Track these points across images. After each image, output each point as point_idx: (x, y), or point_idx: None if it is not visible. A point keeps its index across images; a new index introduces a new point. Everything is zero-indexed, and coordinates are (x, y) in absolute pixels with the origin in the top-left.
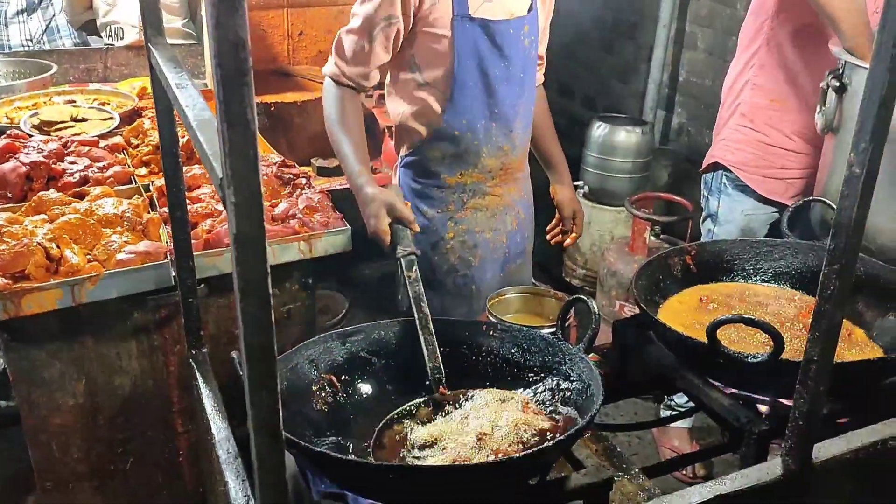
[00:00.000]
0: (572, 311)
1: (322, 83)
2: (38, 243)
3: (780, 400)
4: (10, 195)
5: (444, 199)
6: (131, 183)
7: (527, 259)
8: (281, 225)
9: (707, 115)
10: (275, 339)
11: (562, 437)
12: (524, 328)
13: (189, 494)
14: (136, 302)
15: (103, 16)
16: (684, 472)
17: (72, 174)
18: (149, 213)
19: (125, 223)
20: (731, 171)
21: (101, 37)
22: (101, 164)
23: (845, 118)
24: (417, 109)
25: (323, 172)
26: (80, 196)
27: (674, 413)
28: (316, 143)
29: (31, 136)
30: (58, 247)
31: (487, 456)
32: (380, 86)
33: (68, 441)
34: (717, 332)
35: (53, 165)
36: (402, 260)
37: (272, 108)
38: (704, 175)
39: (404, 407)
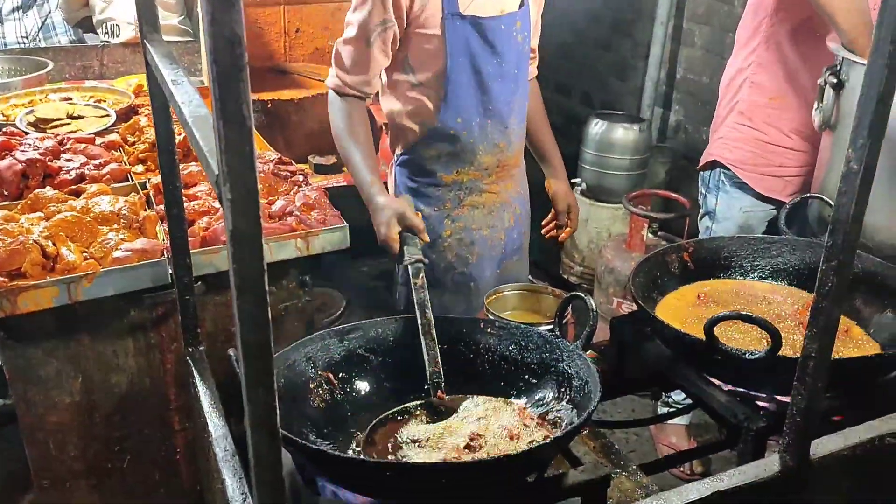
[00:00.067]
0: (570, 308)
1: (319, 80)
2: (34, 241)
3: (778, 397)
4: (5, 193)
5: (441, 198)
6: (128, 180)
7: (523, 255)
8: (278, 222)
9: (704, 112)
10: (272, 336)
11: (559, 435)
12: (522, 325)
13: (186, 492)
14: (133, 300)
15: (99, 13)
16: (682, 468)
17: (68, 172)
18: (145, 210)
19: (121, 221)
20: (729, 169)
21: (97, 34)
22: (97, 162)
23: (843, 115)
24: (412, 109)
25: (320, 170)
26: (77, 193)
27: (671, 410)
28: (313, 140)
29: (27, 133)
30: (54, 244)
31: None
32: None
33: (65, 439)
34: (715, 328)
35: (49, 163)
36: (409, 267)
37: (269, 106)
38: (702, 172)
39: (399, 407)
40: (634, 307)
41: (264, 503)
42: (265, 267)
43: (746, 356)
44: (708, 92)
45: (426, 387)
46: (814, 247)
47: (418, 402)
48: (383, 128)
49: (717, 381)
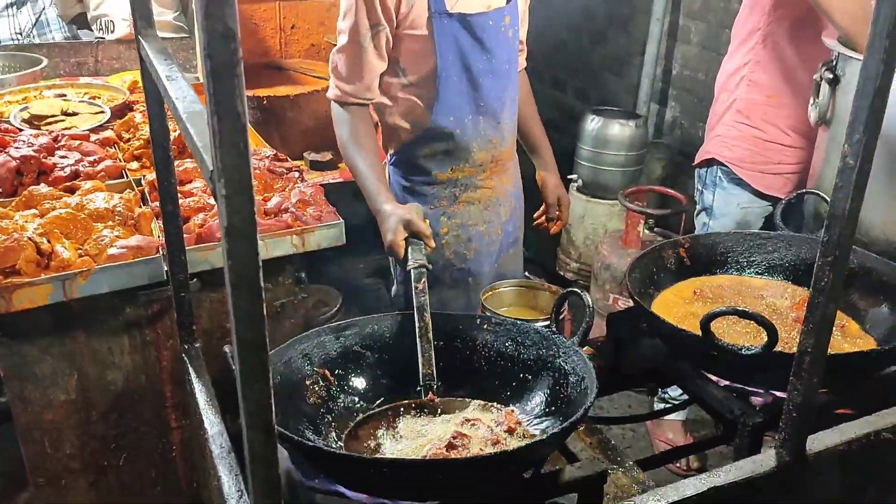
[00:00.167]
0: (566, 304)
1: (314, 76)
2: (29, 238)
3: (774, 392)
4: (0, 190)
5: (437, 196)
6: (122, 177)
7: (519, 247)
8: (273, 219)
9: (701, 108)
10: (267, 332)
11: (556, 431)
12: (518, 322)
13: (182, 490)
14: (128, 297)
15: (94, 9)
16: (678, 464)
17: (62, 168)
18: (140, 207)
19: (116, 218)
20: (727, 166)
21: (91, 30)
22: (91, 159)
23: (838, 110)
24: (404, 109)
25: (316, 166)
26: (71, 190)
27: (668, 406)
28: (308, 137)
29: (21, 130)
30: (48, 241)
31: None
32: None
33: (61, 437)
34: (711, 324)
35: (44, 160)
36: (412, 272)
37: (264, 102)
38: (698, 169)
39: (387, 406)
40: (631, 303)
41: (260, 500)
42: (260, 263)
43: (742, 352)
44: (704, 88)
45: (418, 388)
46: (810, 242)
47: (408, 402)
48: (380, 125)
49: (713, 377)
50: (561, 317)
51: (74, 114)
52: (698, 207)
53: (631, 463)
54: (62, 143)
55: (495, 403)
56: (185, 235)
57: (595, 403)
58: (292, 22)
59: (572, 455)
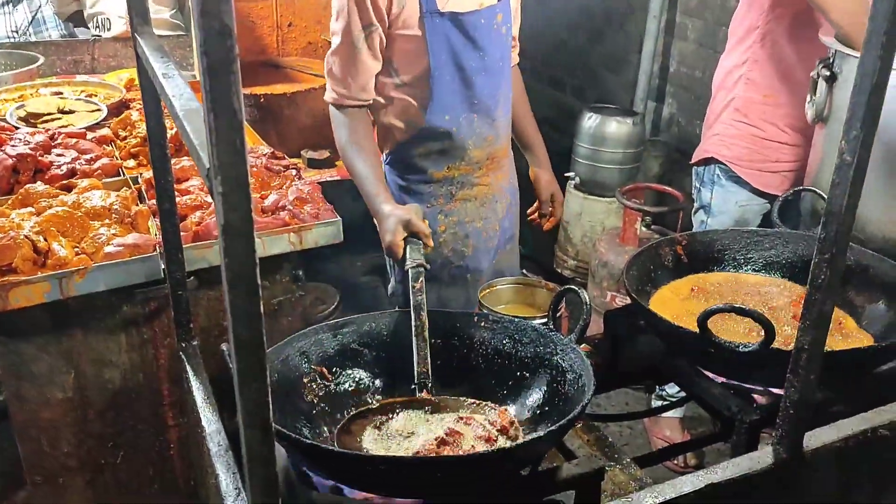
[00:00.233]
0: (564, 301)
1: (311, 74)
2: (25, 236)
3: (771, 389)
4: None
5: (433, 194)
6: (119, 175)
7: (516, 243)
8: (271, 217)
9: (698, 105)
10: (264, 330)
11: (553, 428)
12: (516, 319)
13: (180, 488)
14: (125, 295)
15: (90, 7)
16: (676, 461)
17: (59, 166)
18: (137, 205)
19: (113, 216)
20: (725, 164)
21: (87, 28)
22: (88, 157)
23: (835, 108)
24: (398, 109)
25: (313, 164)
26: (68, 188)
27: (665, 403)
28: (306, 134)
29: (17, 128)
30: (45, 240)
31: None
32: None
33: (58, 435)
34: (708, 321)
35: (40, 158)
36: (410, 271)
37: (261, 100)
38: (696, 167)
39: (381, 403)
40: (628, 300)
41: (258, 498)
42: (257, 260)
43: (740, 349)
44: (701, 85)
45: (413, 386)
46: (807, 240)
47: (402, 399)
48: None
49: (710, 374)
50: (558, 314)
51: (71, 112)
52: (696, 206)
53: (628, 460)
54: (59, 141)
55: (489, 402)
56: (182, 233)
57: (592, 401)
58: (289, 20)
59: (570, 452)
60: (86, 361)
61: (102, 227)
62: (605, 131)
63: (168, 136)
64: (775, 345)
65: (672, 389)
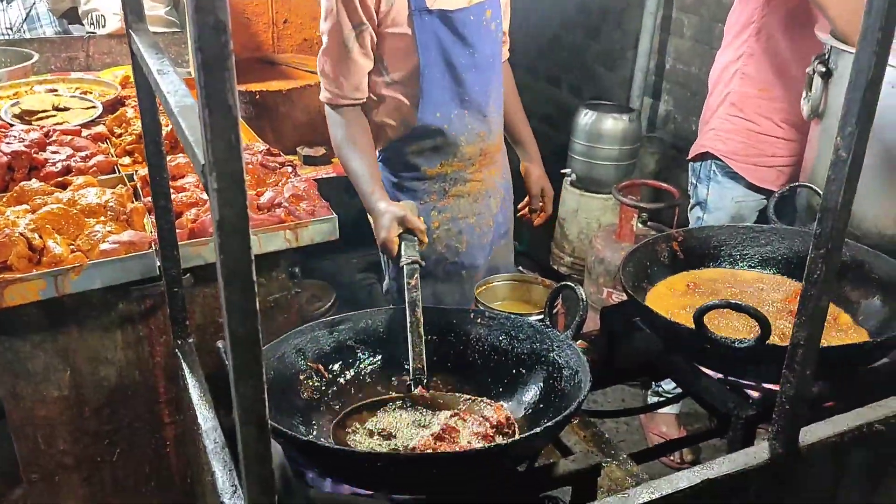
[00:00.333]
0: (560, 298)
1: (307, 71)
2: (20, 234)
3: (767, 385)
4: None
5: (426, 191)
6: (115, 172)
7: (510, 238)
8: (266, 214)
9: (694, 102)
10: (260, 327)
11: (550, 424)
12: (512, 316)
13: (176, 485)
14: (121, 292)
15: (84, 3)
16: (672, 457)
17: (54, 164)
18: (133, 202)
19: (109, 213)
20: (721, 160)
21: (82, 25)
22: (83, 154)
23: (831, 104)
24: (390, 107)
25: (309, 161)
26: (63, 186)
27: (661, 399)
28: (302, 131)
29: (12, 125)
30: (40, 237)
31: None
32: None
33: (54, 433)
34: (705, 317)
35: (35, 155)
36: (405, 267)
37: (257, 97)
38: (692, 163)
39: (379, 398)
40: (624, 297)
41: (254, 495)
42: (253, 257)
43: (736, 345)
44: (697, 82)
45: (408, 382)
46: (802, 235)
47: (397, 395)
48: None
49: (706, 370)
50: (554, 311)
51: (66, 109)
52: (692, 202)
53: (625, 456)
54: (53, 138)
55: (485, 398)
56: (177, 230)
57: (589, 397)
58: (285, 16)
59: (566, 448)
60: (81, 359)
61: (98, 225)
62: (601, 128)
63: (163, 133)
64: (771, 340)
65: (668, 386)
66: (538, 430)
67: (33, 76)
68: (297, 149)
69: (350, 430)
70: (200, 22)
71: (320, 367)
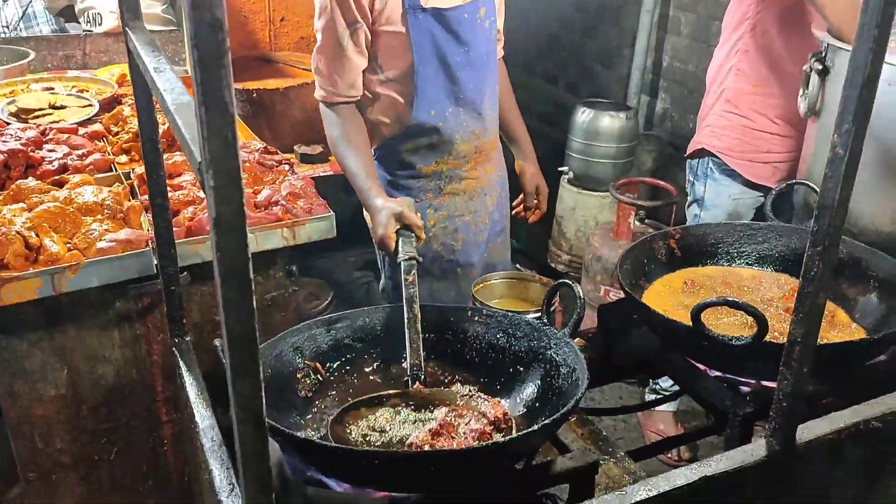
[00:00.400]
0: (557, 295)
1: (304, 69)
2: (17, 232)
3: (764, 382)
4: None
5: (422, 188)
6: (111, 171)
7: (506, 236)
8: (264, 212)
9: (691, 100)
10: (257, 325)
11: (547, 422)
12: (509, 313)
13: (174, 483)
14: (118, 291)
15: (81, 1)
16: (669, 454)
17: (50, 162)
18: (129, 200)
19: (105, 211)
20: (717, 157)
21: (79, 23)
22: (80, 152)
23: (828, 101)
24: (384, 105)
25: (306, 159)
26: (60, 184)
27: (659, 397)
28: (299, 129)
29: (8, 123)
30: (37, 235)
31: (442, 448)
32: None
33: (51, 432)
34: (702, 315)
35: (32, 153)
36: (402, 264)
37: (254, 95)
38: (689, 161)
39: (376, 394)
40: (622, 294)
41: (252, 493)
42: (250, 254)
43: (733, 342)
44: (694, 79)
45: (405, 378)
46: (799, 233)
47: (394, 392)
48: None
49: (703, 368)
50: (552, 308)
51: (62, 107)
52: (690, 199)
53: (622, 454)
54: (50, 136)
55: (482, 394)
56: (174, 229)
57: (586, 395)
58: (282, 14)
59: (564, 446)
60: (79, 357)
61: (94, 223)
62: (598, 126)
63: (160, 131)
64: (768, 338)
65: (666, 383)
66: (535, 427)
67: (30, 74)
68: (295, 147)
69: (348, 427)
70: (197, 19)
71: (318, 365)
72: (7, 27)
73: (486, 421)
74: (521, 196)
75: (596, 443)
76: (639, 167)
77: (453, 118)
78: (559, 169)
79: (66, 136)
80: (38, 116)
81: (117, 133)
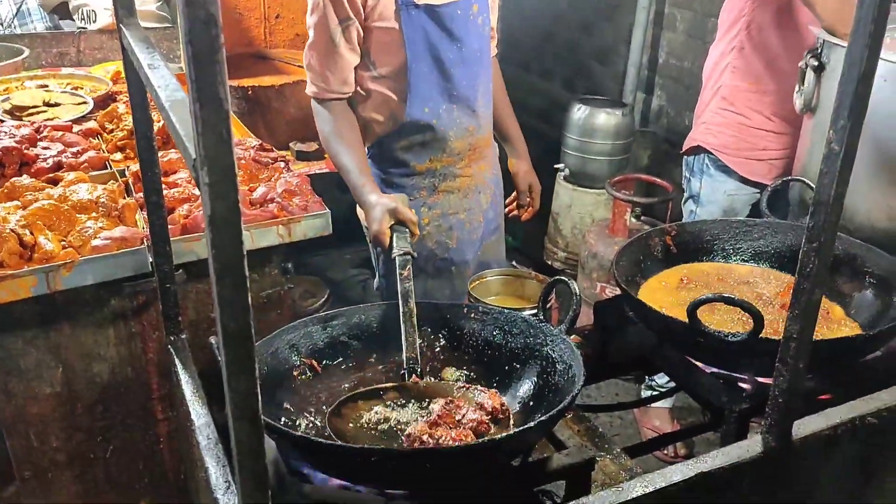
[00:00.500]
0: (553, 292)
1: (299, 66)
2: (11, 230)
3: (760, 378)
4: None
5: (416, 186)
6: (106, 168)
7: (501, 234)
8: (259, 209)
9: (687, 96)
10: (252, 322)
11: (543, 418)
12: (506, 310)
13: (169, 481)
14: (113, 288)
15: None
16: (666, 451)
17: (45, 160)
18: (124, 198)
19: (100, 209)
20: (713, 154)
21: (73, 20)
22: (74, 150)
23: (823, 98)
24: (377, 102)
25: (302, 157)
26: (54, 182)
27: (655, 393)
28: (294, 126)
29: (2, 121)
30: (31, 233)
31: (440, 439)
32: None
33: (46, 430)
34: (698, 311)
35: (26, 151)
36: (397, 259)
37: (249, 93)
38: (686, 157)
39: (374, 387)
40: (618, 291)
41: (248, 490)
42: (245, 251)
43: (729, 338)
44: (690, 76)
45: (402, 372)
46: (795, 229)
47: (391, 385)
48: None
49: (700, 364)
50: (548, 305)
51: (57, 104)
52: (686, 195)
53: (618, 450)
54: (44, 134)
55: (478, 385)
56: (169, 226)
57: (582, 391)
58: (277, 11)
59: (560, 443)
60: (74, 356)
61: (89, 221)
62: (594, 123)
63: (155, 128)
64: (764, 334)
65: (662, 380)
66: (532, 424)
67: (24, 72)
68: (290, 144)
69: (346, 419)
70: (191, 15)
71: (314, 362)
72: (1, 24)
73: (483, 411)
74: (514, 194)
75: (592, 439)
76: (635, 164)
77: (447, 115)
78: (555, 166)
79: (60, 133)
80: (32, 114)
81: (112, 130)
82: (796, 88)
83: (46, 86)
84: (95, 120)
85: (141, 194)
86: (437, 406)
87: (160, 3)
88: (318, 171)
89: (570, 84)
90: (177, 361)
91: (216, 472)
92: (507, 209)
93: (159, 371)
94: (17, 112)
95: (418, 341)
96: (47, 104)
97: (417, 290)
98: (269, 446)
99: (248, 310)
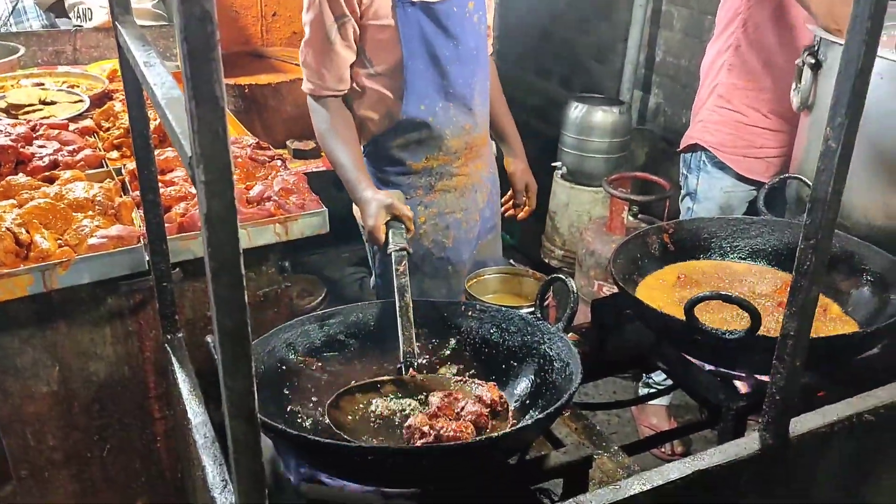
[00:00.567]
0: (551, 290)
1: (296, 64)
2: (7, 228)
3: (758, 376)
4: None
5: (412, 185)
6: (102, 167)
7: (497, 232)
8: (256, 207)
9: (684, 94)
10: (249, 320)
11: (541, 416)
12: (503, 308)
13: (166, 480)
14: (110, 287)
15: None
16: (663, 449)
17: (41, 158)
18: (121, 196)
19: (97, 207)
20: (710, 151)
21: (69, 18)
22: (71, 148)
23: (820, 95)
24: (373, 100)
25: (298, 155)
26: (50, 180)
27: (652, 391)
28: (291, 125)
29: None
30: (27, 232)
31: (441, 430)
32: None
33: (43, 429)
34: (695, 309)
35: (22, 149)
36: (392, 254)
37: (246, 91)
38: (683, 154)
39: (371, 380)
40: (615, 289)
41: (245, 490)
42: (241, 249)
43: (726, 336)
44: (687, 74)
45: (399, 366)
46: (792, 227)
47: (389, 378)
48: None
49: (697, 362)
50: (545, 303)
51: (53, 103)
52: (683, 192)
53: (616, 448)
54: (40, 132)
55: (476, 379)
56: (166, 225)
57: (580, 389)
58: (274, 9)
59: (557, 441)
60: (70, 354)
61: (86, 219)
62: (591, 121)
63: (151, 126)
64: (761, 332)
65: (659, 377)
66: (529, 422)
67: (20, 70)
68: (287, 142)
69: (344, 412)
70: (187, 13)
71: (311, 360)
72: None
73: (482, 404)
74: (510, 193)
75: (590, 437)
76: (632, 162)
77: (443, 113)
78: (552, 164)
79: (56, 131)
80: (28, 112)
81: (108, 129)
82: (793, 86)
83: (42, 84)
84: (92, 118)
85: (137, 192)
86: (436, 398)
87: (156, 1)
88: (315, 170)
89: (567, 82)
90: (173, 360)
91: (213, 470)
92: (502, 209)
93: (156, 370)
94: (13, 110)
95: (415, 336)
96: (43, 102)
97: (414, 289)
98: (266, 445)
99: (244, 308)
